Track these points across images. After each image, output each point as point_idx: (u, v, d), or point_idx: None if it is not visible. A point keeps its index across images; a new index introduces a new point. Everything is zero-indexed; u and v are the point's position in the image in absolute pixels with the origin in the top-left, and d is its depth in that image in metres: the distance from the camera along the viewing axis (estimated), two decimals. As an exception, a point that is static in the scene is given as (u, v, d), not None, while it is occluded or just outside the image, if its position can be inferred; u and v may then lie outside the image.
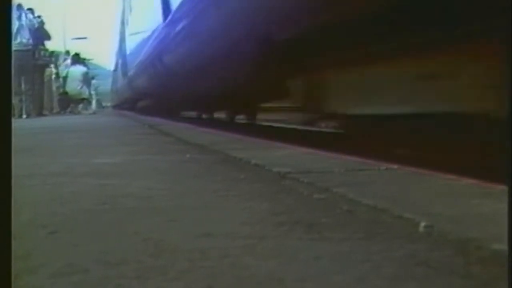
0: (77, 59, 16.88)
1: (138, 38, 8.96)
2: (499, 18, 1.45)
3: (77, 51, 17.65)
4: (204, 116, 7.76)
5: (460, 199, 1.19)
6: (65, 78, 15.97)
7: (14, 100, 11.01)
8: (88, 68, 18.57)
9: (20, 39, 11.34)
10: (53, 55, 15.30)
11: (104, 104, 26.18)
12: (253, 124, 5.20)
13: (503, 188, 1.15)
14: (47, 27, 12.52)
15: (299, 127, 4.20)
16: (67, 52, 17.25)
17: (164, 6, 6.11)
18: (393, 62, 2.17)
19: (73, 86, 16.10)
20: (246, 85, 4.14)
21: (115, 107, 23.78)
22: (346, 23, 2.21)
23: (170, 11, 5.50)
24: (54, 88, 14.30)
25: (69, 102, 16.14)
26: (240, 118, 5.64)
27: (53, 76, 14.21)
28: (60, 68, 15.70)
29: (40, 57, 12.14)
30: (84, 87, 16.83)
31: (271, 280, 0.72)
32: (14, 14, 10.90)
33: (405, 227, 0.96)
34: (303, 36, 2.62)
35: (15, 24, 11.03)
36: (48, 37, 12.69)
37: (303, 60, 2.83)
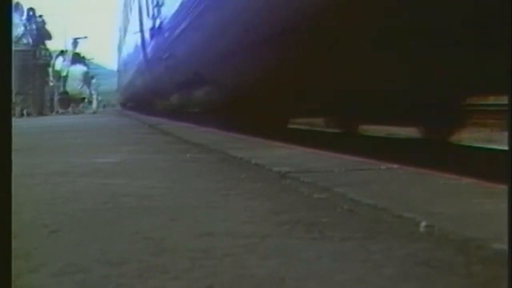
0: (77, 58, 16.86)
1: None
2: None
3: (77, 50, 17.64)
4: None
5: (460, 198, 1.19)
6: (65, 77, 15.95)
7: (17, 99, 11.02)
8: (89, 68, 18.54)
9: (18, 39, 11.34)
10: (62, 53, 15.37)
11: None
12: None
13: (504, 187, 1.15)
14: (48, 26, 12.54)
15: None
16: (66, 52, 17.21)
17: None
18: None
19: (74, 86, 16.10)
20: None
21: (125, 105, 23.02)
22: None
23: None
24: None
25: (69, 101, 16.13)
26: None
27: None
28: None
29: (40, 56, 12.14)
30: (85, 87, 16.82)
31: (272, 279, 0.72)
32: (15, 13, 10.90)
33: (405, 227, 0.96)
34: None
35: (15, 24, 11.03)
36: (49, 36, 12.69)
37: None
